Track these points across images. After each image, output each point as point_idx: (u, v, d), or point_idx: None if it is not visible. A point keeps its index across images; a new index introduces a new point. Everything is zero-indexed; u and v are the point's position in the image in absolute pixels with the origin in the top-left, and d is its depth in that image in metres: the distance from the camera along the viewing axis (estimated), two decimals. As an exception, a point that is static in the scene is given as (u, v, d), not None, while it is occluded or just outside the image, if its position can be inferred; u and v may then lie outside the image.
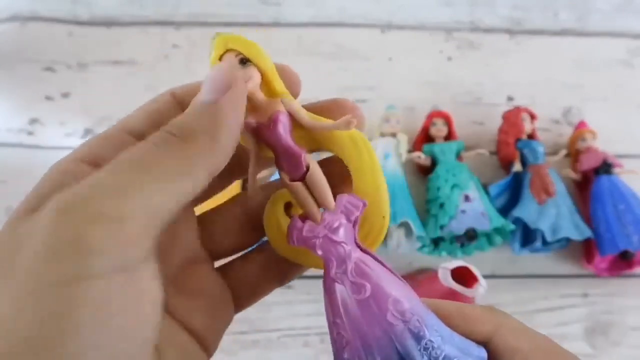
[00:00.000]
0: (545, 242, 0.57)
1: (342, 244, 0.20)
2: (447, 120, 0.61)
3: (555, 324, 0.55)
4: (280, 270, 0.24)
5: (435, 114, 0.61)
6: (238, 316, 0.58)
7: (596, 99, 0.68)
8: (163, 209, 0.16)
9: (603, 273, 0.57)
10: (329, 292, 0.20)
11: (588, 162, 0.59)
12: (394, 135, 0.59)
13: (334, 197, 0.21)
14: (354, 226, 0.20)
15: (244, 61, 0.21)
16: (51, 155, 0.62)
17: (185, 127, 0.18)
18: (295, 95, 0.22)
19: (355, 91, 0.67)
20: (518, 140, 0.60)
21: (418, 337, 0.19)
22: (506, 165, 0.62)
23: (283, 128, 0.20)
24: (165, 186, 0.16)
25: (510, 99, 0.67)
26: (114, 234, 0.14)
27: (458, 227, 0.54)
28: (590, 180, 0.59)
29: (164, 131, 0.18)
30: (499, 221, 0.55)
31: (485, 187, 0.59)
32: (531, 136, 0.62)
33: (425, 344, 0.19)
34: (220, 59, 0.21)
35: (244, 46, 0.21)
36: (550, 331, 0.54)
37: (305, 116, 0.21)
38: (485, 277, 0.46)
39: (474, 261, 0.52)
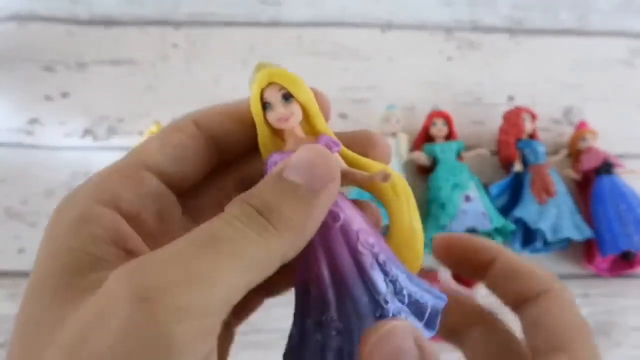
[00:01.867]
0: (545, 243, 0.56)
1: None
2: (447, 120, 0.61)
3: (556, 324, 0.55)
4: (271, 285, 0.23)
5: (436, 114, 0.61)
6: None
7: (596, 98, 0.67)
8: (236, 298, 0.15)
9: (604, 273, 0.57)
10: None
11: (589, 162, 0.59)
12: (394, 135, 0.59)
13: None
14: None
15: (287, 96, 0.21)
16: (51, 155, 0.62)
17: (274, 207, 0.16)
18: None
19: (355, 91, 0.66)
20: (519, 140, 0.60)
21: (385, 271, 0.19)
22: (506, 165, 0.61)
23: None
24: (243, 275, 0.15)
25: (510, 98, 0.67)
26: (197, 330, 0.14)
27: (459, 227, 0.54)
28: (591, 180, 0.59)
29: (248, 204, 0.16)
30: (500, 221, 0.55)
31: (485, 187, 0.59)
32: (532, 136, 0.62)
33: (392, 277, 0.19)
34: (262, 91, 0.21)
35: (288, 81, 0.21)
36: (551, 331, 0.54)
37: (343, 162, 0.21)
38: (486, 277, 0.46)
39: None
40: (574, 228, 0.55)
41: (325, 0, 0.72)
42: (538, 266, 0.22)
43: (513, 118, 0.61)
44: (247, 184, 0.21)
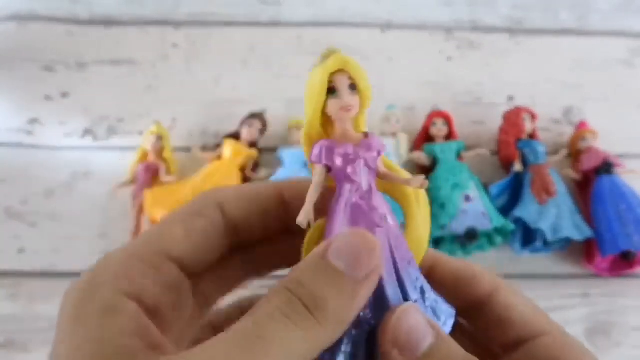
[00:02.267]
0: (545, 243, 0.56)
1: (371, 168, 0.20)
2: (447, 120, 0.61)
3: (556, 324, 0.55)
4: (259, 266, 0.23)
5: (436, 114, 0.61)
6: (238, 316, 0.57)
7: (596, 98, 0.67)
8: None
9: (604, 273, 0.57)
10: (345, 216, 0.20)
11: (589, 162, 0.59)
12: (394, 135, 0.59)
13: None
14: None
15: (354, 87, 0.20)
16: (51, 155, 0.62)
17: (319, 300, 0.16)
18: None
19: (356, 91, 0.66)
20: (519, 140, 0.60)
21: (414, 279, 0.20)
22: (506, 165, 0.61)
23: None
24: None
25: (510, 98, 0.67)
26: None
27: (459, 227, 0.54)
28: (591, 180, 0.59)
29: (293, 294, 0.16)
30: (500, 221, 0.55)
31: (485, 187, 0.59)
32: (532, 136, 0.62)
33: (419, 282, 0.21)
34: (331, 76, 0.20)
35: (359, 72, 0.20)
36: (551, 331, 0.54)
37: (382, 163, 0.21)
38: (486, 277, 0.46)
39: (475, 261, 0.52)
40: (574, 228, 0.55)
41: (325, 0, 0.72)
42: (475, 264, 0.23)
43: (513, 118, 0.61)
44: (254, 265, 0.23)
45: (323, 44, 0.68)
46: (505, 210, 0.58)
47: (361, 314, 0.19)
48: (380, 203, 0.21)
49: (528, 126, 0.60)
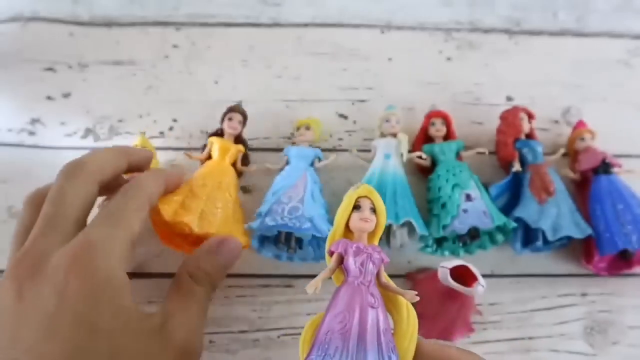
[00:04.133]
0: (546, 241, 0.57)
1: (375, 265, 0.28)
2: (446, 120, 0.61)
3: (554, 323, 0.55)
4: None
5: (434, 114, 0.61)
6: (238, 315, 0.58)
7: (595, 99, 0.68)
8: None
9: (602, 272, 0.57)
10: (346, 294, 0.27)
11: (587, 162, 0.59)
12: (394, 135, 0.59)
13: None
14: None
15: (373, 210, 0.29)
16: (52, 155, 0.63)
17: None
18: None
19: (355, 91, 0.67)
20: (516, 140, 0.60)
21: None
22: (505, 165, 0.62)
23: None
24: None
25: (509, 99, 0.67)
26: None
27: (461, 226, 0.54)
28: (589, 179, 0.59)
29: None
30: (501, 219, 0.55)
31: (485, 186, 0.59)
32: (529, 136, 0.62)
33: None
34: (358, 198, 0.30)
35: (379, 203, 0.30)
36: (550, 330, 0.55)
37: (384, 274, 0.29)
38: (485, 276, 0.46)
39: (474, 260, 0.52)
40: (574, 226, 0.55)
41: (325, 1, 0.73)
42: (452, 348, 0.26)
43: (510, 118, 0.61)
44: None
45: (323, 44, 0.69)
46: (506, 211, 0.58)
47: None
48: (377, 292, 0.27)
49: (525, 126, 0.61)
